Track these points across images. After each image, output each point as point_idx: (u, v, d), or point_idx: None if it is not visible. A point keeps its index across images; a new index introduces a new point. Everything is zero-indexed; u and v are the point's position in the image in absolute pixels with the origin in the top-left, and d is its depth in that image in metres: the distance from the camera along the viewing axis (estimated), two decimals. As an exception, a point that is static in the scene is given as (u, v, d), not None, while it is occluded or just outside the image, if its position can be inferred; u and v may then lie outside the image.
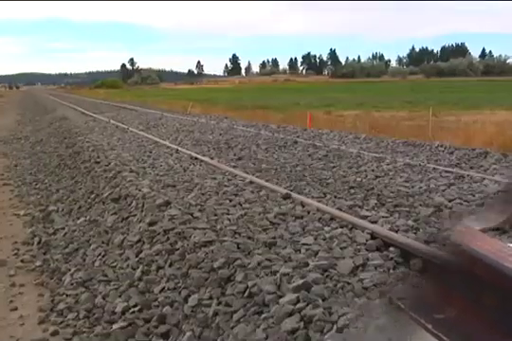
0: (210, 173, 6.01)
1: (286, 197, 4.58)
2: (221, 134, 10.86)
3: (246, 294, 2.67)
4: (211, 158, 7.32)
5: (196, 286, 2.96)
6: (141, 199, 4.72)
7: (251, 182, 5.35)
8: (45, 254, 4.59)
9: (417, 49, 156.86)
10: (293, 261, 2.93)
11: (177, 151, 7.96)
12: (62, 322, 3.22)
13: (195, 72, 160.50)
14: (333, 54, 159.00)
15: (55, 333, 3.10)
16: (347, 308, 2.32)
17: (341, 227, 3.62)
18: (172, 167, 6.46)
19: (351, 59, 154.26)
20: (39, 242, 4.87)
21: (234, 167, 6.60)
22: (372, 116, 17.08)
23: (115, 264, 3.79)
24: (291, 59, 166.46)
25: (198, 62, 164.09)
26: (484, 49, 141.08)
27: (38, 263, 4.35)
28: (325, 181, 5.68)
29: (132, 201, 4.85)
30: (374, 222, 3.86)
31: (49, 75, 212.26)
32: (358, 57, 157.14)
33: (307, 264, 2.85)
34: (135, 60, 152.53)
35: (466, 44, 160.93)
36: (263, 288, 2.61)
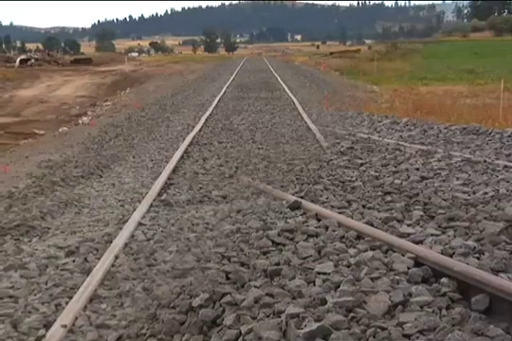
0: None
1: (295, 207, 4.60)
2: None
3: (238, 343, 2.69)
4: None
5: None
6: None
7: (246, 186, 5.37)
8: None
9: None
10: (304, 298, 2.95)
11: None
12: None
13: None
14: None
15: None
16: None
17: (373, 249, 3.64)
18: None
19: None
20: None
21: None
22: (416, 93, 17.12)
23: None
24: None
25: None
26: None
27: None
28: (350, 184, 5.70)
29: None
30: (420, 242, 3.88)
31: None
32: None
33: (325, 302, 2.87)
34: None
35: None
36: (262, 335, 2.63)
